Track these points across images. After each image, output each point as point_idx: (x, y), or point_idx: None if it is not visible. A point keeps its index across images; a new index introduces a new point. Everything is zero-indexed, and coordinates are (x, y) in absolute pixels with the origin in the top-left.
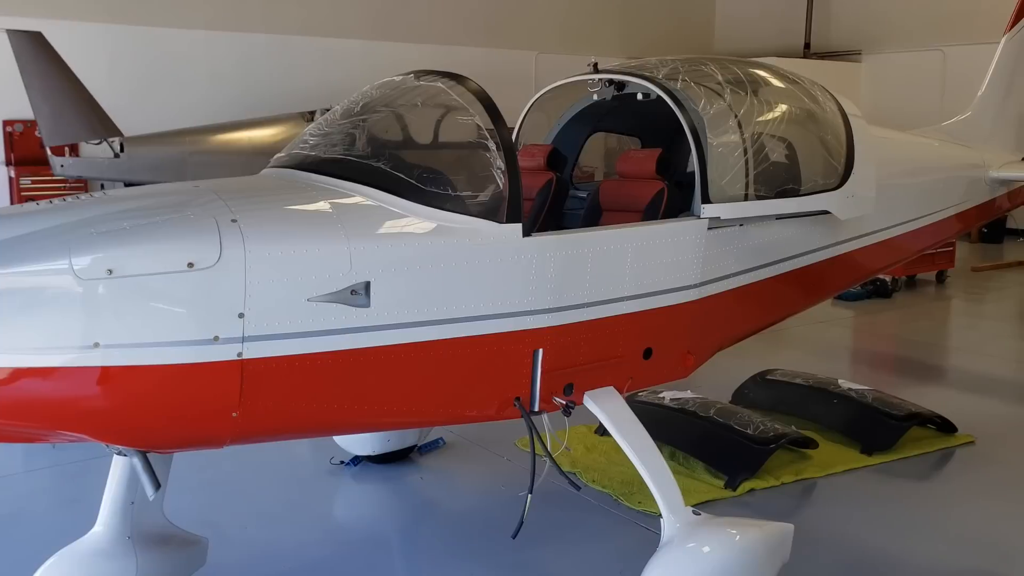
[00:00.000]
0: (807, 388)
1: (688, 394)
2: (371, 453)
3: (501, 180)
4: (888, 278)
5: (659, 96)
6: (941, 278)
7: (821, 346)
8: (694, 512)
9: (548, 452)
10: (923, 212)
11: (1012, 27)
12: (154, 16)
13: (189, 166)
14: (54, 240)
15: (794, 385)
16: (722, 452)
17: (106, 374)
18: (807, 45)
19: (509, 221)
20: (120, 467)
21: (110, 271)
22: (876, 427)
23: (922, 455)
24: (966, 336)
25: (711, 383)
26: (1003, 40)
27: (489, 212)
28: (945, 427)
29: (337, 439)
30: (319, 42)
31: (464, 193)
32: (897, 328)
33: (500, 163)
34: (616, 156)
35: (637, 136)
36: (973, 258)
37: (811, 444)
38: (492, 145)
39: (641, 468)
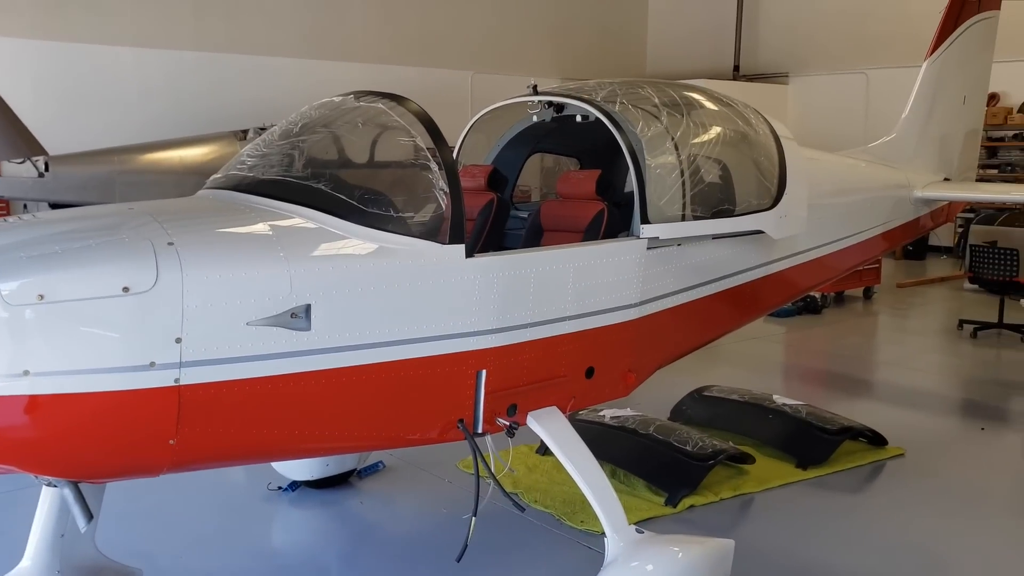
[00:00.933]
0: (743, 404)
1: (628, 412)
2: (309, 478)
3: (443, 201)
4: (818, 295)
5: (598, 118)
6: (868, 294)
7: (755, 362)
8: (637, 530)
9: (492, 474)
10: (852, 231)
11: (933, 52)
12: (80, 32)
13: (118, 186)
14: None
15: (730, 401)
16: (662, 469)
17: (35, 403)
18: (736, 67)
19: (451, 242)
20: (49, 498)
21: (41, 296)
22: (810, 441)
23: (855, 468)
24: (893, 350)
25: (649, 400)
26: (924, 64)
27: (431, 233)
28: (876, 440)
29: (274, 464)
30: (251, 60)
31: (406, 214)
32: (827, 344)
33: (442, 184)
34: (553, 176)
35: (576, 157)
36: (898, 275)
37: (748, 459)
38: (434, 166)
39: (584, 487)
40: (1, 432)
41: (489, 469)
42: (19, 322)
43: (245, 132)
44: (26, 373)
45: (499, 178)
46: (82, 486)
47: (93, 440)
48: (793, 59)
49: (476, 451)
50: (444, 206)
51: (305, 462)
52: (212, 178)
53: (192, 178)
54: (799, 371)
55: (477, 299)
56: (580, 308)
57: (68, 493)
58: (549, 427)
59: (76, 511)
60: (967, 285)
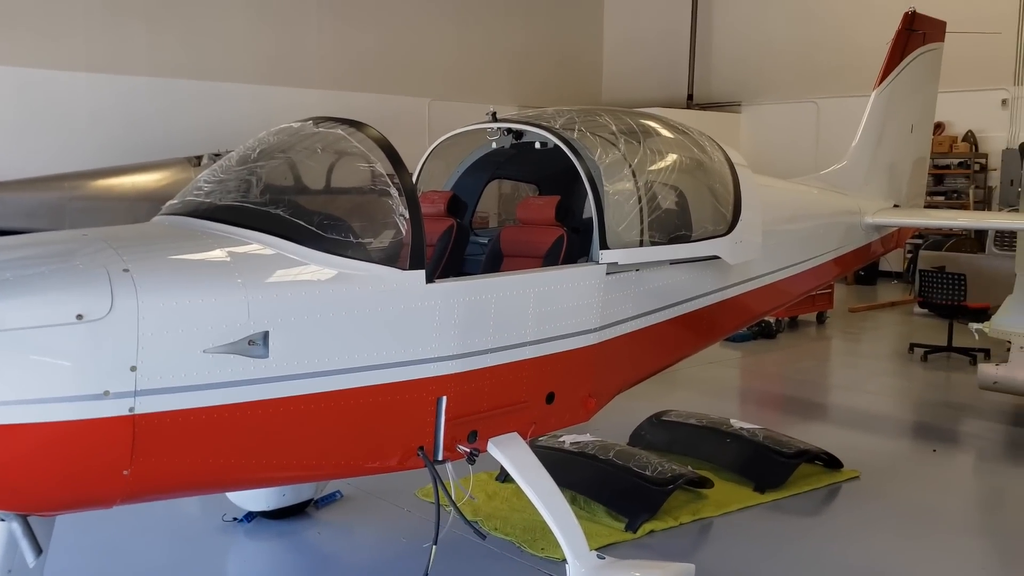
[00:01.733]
0: (701, 428)
1: (588, 437)
2: (265, 508)
3: (403, 227)
4: (772, 319)
5: (556, 145)
6: (821, 319)
7: (712, 386)
8: (598, 556)
9: (453, 502)
10: (805, 257)
11: (881, 82)
12: (31, 57)
13: (68, 212)
14: None
15: (689, 426)
16: (622, 494)
17: None
18: (690, 96)
19: (412, 268)
20: None
21: None
22: (767, 465)
23: (811, 491)
24: (846, 374)
25: (608, 425)
26: (873, 94)
27: (391, 259)
28: (832, 463)
29: (230, 494)
30: (206, 86)
31: (365, 240)
32: (782, 368)
33: (402, 209)
34: (510, 202)
35: (535, 183)
36: (850, 299)
37: (707, 484)
38: (394, 191)
39: (546, 514)
40: None
41: (449, 497)
42: None
43: (199, 158)
44: None
45: (459, 204)
46: (31, 519)
47: (44, 472)
48: (745, 88)
49: (436, 479)
50: (404, 231)
51: (261, 492)
52: (168, 204)
53: (145, 204)
54: (755, 395)
55: (437, 325)
56: (540, 333)
57: (16, 527)
58: (510, 453)
59: (24, 545)
60: (917, 309)
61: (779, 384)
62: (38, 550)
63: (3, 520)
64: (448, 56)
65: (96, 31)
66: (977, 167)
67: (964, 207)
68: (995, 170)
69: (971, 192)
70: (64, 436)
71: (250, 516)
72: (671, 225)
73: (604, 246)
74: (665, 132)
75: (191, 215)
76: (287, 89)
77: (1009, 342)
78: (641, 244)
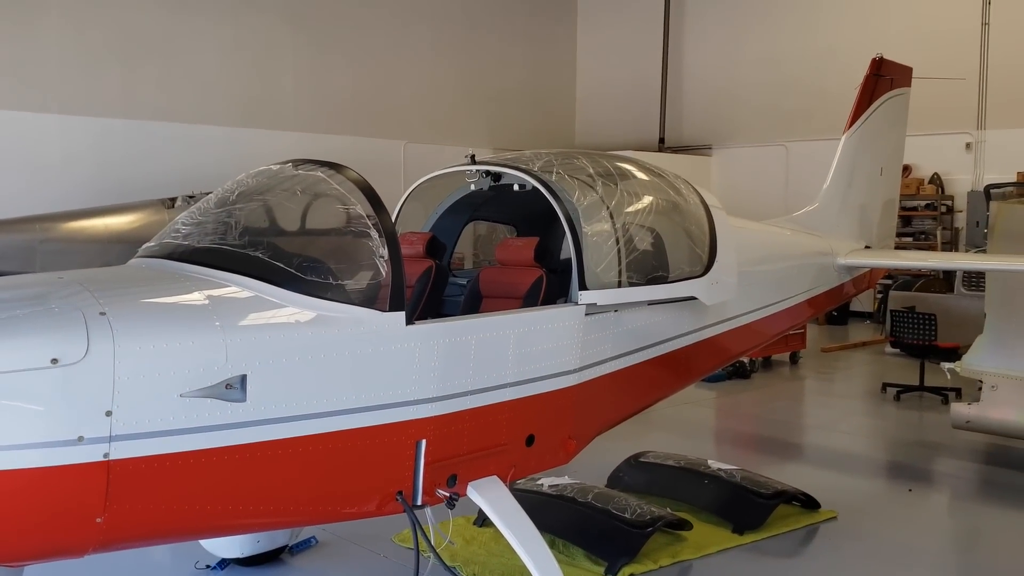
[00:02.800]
0: (679, 469)
1: (566, 480)
2: (239, 555)
3: (384, 268)
4: (746, 360)
5: (534, 187)
6: (795, 359)
7: (688, 427)
8: None
9: (432, 547)
10: (780, 297)
11: (851, 126)
12: (4, 99)
13: (39, 254)
14: None
15: (667, 467)
16: (601, 537)
17: None
18: (661, 140)
19: (392, 309)
20: None
21: None
22: (745, 506)
23: (790, 532)
24: (821, 414)
25: (585, 467)
26: (843, 138)
27: (371, 300)
28: (809, 504)
29: (203, 541)
30: (180, 128)
31: (345, 282)
32: (757, 408)
33: (382, 251)
34: (485, 243)
35: (513, 225)
36: (822, 339)
37: (685, 526)
38: (374, 233)
39: (527, 559)
40: None
41: (429, 543)
42: None
43: (173, 200)
44: None
45: (437, 245)
46: None
47: (15, 519)
48: (716, 132)
49: (416, 524)
50: (384, 273)
51: (235, 539)
52: (145, 247)
53: (118, 247)
54: (731, 435)
55: (417, 367)
56: (520, 375)
57: None
58: (490, 498)
59: None
60: (888, 349)
61: (754, 424)
62: None
63: None
64: (423, 99)
65: (70, 74)
66: (944, 209)
67: (932, 248)
68: (961, 212)
69: (939, 233)
70: (36, 483)
71: (223, 563)
72: (649, 266)
73: (583, 287)
74: (641, 175)
75: (168, 257)
76: (262, 131)
77: (980, 381)
78: (619, 285)
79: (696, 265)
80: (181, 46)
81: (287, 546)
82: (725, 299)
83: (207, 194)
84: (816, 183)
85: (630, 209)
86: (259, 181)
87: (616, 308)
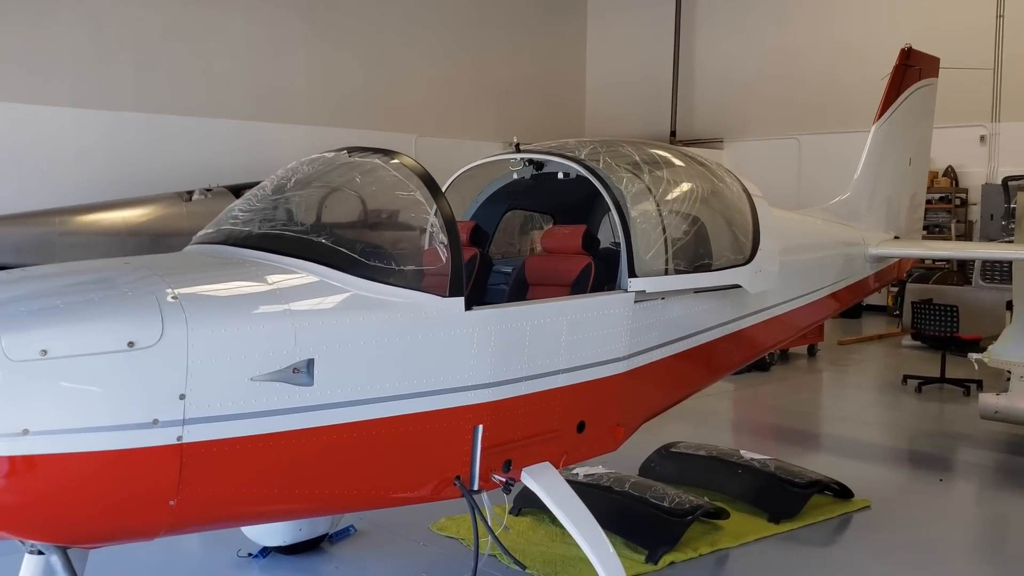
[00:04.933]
0: (712, 459)
1: (601, 469)
2: (281, 544)
3: (444, 254)
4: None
5: (578, 175)
6: (812, 352)
7: (711, 419)
8: None
9: (491, 531)
10: (816, 287)
11: (880, 117)
12: (18, 93)
13: (58, 247)
14: None
15: (699, 457)
16: (641, 526)
17: (33, 463)
18: (673, 133)
19: (452, 295)
20: (31, 568)
21: (44, 352)
22: (781, 496)
23: (825, 521)
24: (843, 405)
25: (615, 458)
26: (873, 128)
27: (431, 286)
28: (843, 493)
29: (244, 529)
30: (193, 122)
31: (407, 267)
32: (778, 399)
33: (442, 237)
34: (517, 233)
35: (551, 214)
36: (837, 332)
37: (723, 515)
38: (433, 219)
39: (583, 542)
40: None
41: (488, 527)
42: (20, 378)
43: (191, 193)
44: (25, 432)
45: (481, 234)
46: (70, 552)
47: (91, 502)
48: (727, 125)
49: (475, 508)
50: (444, 259)
51: (276, 527)
52: (201, 233)
53: (136, 239)
54: (755, 426)
55: (475, 352)
56: (572, 361)
57: (56, 560)
58: (544, 483)
59: None
60: (905, 341)
61: (778, 415)
62: None
63: (42, 553)
64: (434, 93)
65: (85, 68)
66: (958, 201)
67: (946, 240)
68: (975, 204)
69: (952, 226)
70: (111, 465)
71: (265, 552)
72: (694, 254)
73: (632, 274)
74: (685, 163)
75: (227, 243)
76: (274, 125)
77: (1009, 372)
78: (667, 272)
79: (740, 253)
80: (194, 40)
81: (328, 534)
82: (767, 287)
83: (224, 188)
84: (828, 176)
85: (676, 196)
86: (315, 168)
87: (663, 296)
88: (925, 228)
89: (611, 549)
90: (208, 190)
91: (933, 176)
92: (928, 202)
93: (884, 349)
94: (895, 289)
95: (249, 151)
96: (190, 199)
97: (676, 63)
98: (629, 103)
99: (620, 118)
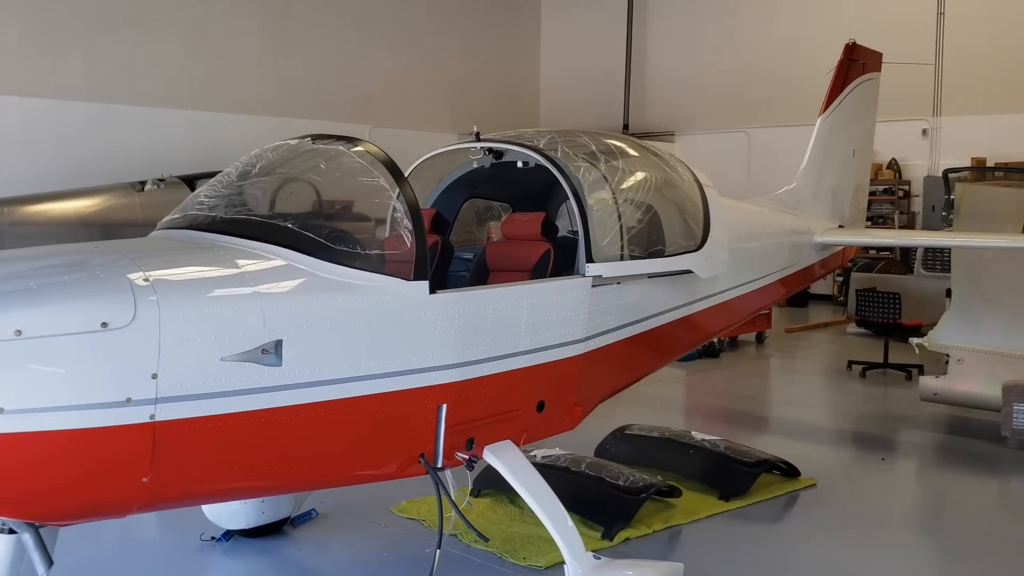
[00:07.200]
0: (665, 440)
1: (557, 451)
2: (244, 527)
3: (408, 239)
4: (715, 339)
5: (538, 164)
6: (760, 339)
7: (663, 403)
8: (595, 556)
9: (455, 506)
10: (762, 273)
11: (825, 109)
12: None
13: (7, 237)
14: None
15: (652, 438)
16: (597, 504)
17: (7, 441)
18: (625, 125)
19: (416, 279)
20: (3, 547)
21: (18, 332)
22: (731, 474)
23: (773, 498)
24: (790, 390)
25: (570, 439)
26: (819, 120)
27: (396, 270)
28: (790, 472)
29: (207, 513)
30: (144, 111)
31: (372, 251)
32: (728, 384)
33: (406, 222)
34: (471, 223)
35: (509, 202)
36: (783, 320)
37: (676, 493)
38: (398, 204)
39: (544, 517)
40: None
41: (452, 502)
42: None
43: (143, 183)
44: (0, 411)
45: (442, 221)
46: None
47: (65, 479)
48: (679, 118)
49: (439, 484)
50: (408, 243)
51: (239, 510)
52: (167, 219)
53: (87, 230)
54: (706, 410)
55: (439, 334)
56: (533, 344)
57: (28, 538)
58: (506, 460)
59: (36, 557)
60: (851, 328)
61: (727, 400)
62: (49, 562)
63: (13, 531)
64: (388, 83)
65: (32, 57)
66: (901, 193)
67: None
68: (918, 196)
69: (896, 217)
70: (86, 443)
71: (228, 535)
72: (648, 240)
73: (590, 259)
74: (640, 153)
75: (193, 228)
76: (227, 115)
77: (947, 355)
78: (622, 258)
79: (691, 240)
80: (145, 29)
81: (290, 517)
82: (718, 273)
83: (177, 178)
84: (777, 169)
85: (631, 185)
86: (279, 155)
87: (619, 280)
88: (870, 219)
89: (571, 523)
90: (161, 180)
91: (877, 168)
92: (872, 194)
93: (830, 336)
94: (840, 278)
95: (201, 141)
96: (143, 189)
97: (628, 57)
98: (582, 97)
99: (574, 111)
